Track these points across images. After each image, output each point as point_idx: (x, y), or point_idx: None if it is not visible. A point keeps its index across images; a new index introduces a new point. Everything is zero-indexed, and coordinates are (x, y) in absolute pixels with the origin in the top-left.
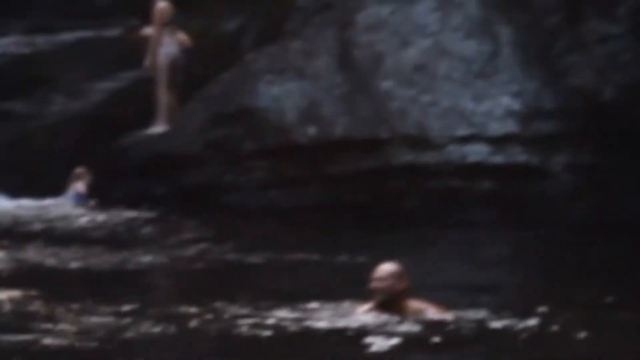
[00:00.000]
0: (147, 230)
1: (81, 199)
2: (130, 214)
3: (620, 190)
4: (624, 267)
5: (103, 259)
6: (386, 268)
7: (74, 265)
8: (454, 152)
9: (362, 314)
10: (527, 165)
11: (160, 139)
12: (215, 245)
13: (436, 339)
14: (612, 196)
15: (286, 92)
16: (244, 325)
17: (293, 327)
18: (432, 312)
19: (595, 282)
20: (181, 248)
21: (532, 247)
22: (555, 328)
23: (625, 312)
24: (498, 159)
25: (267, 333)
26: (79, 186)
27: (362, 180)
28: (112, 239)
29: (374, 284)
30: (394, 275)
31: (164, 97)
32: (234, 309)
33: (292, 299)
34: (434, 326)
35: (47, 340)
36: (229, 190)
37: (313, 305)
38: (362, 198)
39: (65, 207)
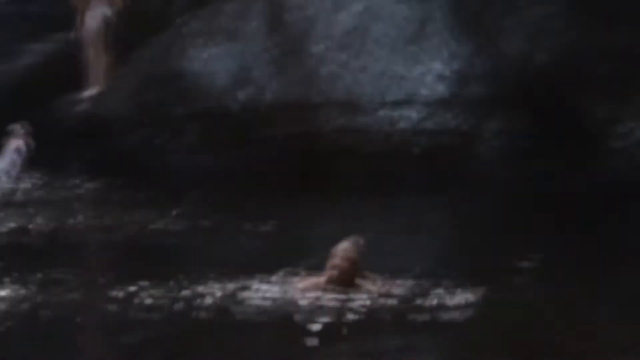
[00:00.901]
0: (77, 194)
1: (18, 158)
2: (61, 178)
3: (549, 156)
4: (549, 231)
5: (35, 226)
6: (348, 249)
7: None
8: (385, 117)
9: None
10: (458, 130)
11: (92, 101)
12: (144, 210)
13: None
14: (542, 161)
15: (217, 56)
16: (184, 299)
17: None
18: (378, 285)
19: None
20: (110, 214)
21: (459, 211)
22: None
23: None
24: (429, 124)
25: (204, 310)
26: (16, 144)
27: (293, 145)
28: (44, 203)
29: (336, 263)
30: (355, 257)
31: (95, 59)
32: (173, 283)
33: (231, 269)
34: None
35: None
36: (160, 153)
37: (258, 277)
38: (293, 163)
39: None
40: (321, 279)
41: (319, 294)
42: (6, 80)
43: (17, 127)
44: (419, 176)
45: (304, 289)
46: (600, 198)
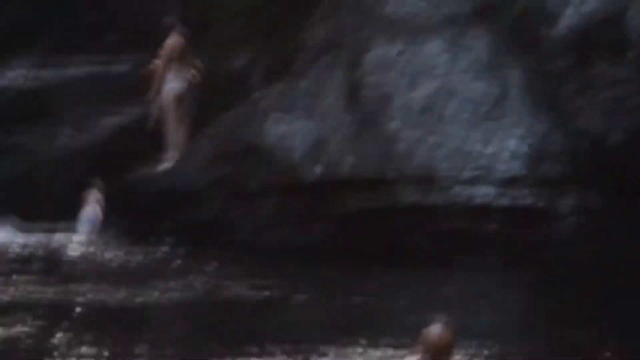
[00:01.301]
0: (155, 266)
1: (93, 223)
2: (139, 250)
3: (626, 235)
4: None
5: (117, 296)
6: (445, 341)
7: (88, 300)
8: (461, 193)
9: None
10: (533, 207)
11: (167, 175)
12: (224, 281)
13: None
14: (618, 240)
15: (293, 131)
16: None
17: None
18: None
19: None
20: (190, 285)
21: (535, 291)
22: None
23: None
24: (504, 201)
25: None
26: (92, 209)
27: (368, 219)
28: (124, 275)
29: (432, 352)
30: (450, 346)
31: (171, 133)
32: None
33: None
34: None
35: None
36: (235, 226)
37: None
38: (368, 237)
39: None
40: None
41: None
42: (83, 152)
43: (93, 190)
44: (494, 253)
45: None
46: None
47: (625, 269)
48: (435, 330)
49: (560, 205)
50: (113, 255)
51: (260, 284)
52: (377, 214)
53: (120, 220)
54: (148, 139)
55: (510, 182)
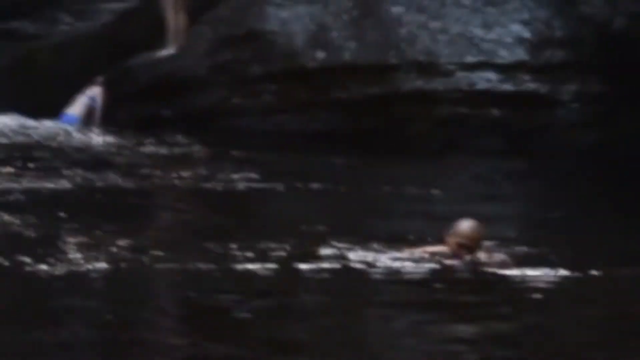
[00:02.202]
0: (152, 153)
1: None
2: (138, 137)
3: (627, 120)
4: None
5: (116, 182)
6: (476, 235)
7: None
8: (463, 79)
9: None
10: (536, 93)
11: (167, 61)
12: (220, 170)
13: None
14: (620, 126)
15: (295, 16)
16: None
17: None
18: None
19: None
20: (189, 171)
21: (537, 177)
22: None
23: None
24: (507, 86)
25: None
26: (93, 93)
27: (370, 106)
28: (120, 163)
29: (462, 242)
30: (481, 238)
31: (171, 18)
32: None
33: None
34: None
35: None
36: (236, 113)
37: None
38: (370, 124)
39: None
40: (446, 249)
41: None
42: (83, 39)
43: (97, 78)
44: (496, 139)
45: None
46: None
47: (626, 155)
48: (466, 223)
49: (562, 92)
50: (113, 143)
51: (259, 171)
52: (378, 101)
53: (121, 107)
54: (150, 25)
55: (512, 68)
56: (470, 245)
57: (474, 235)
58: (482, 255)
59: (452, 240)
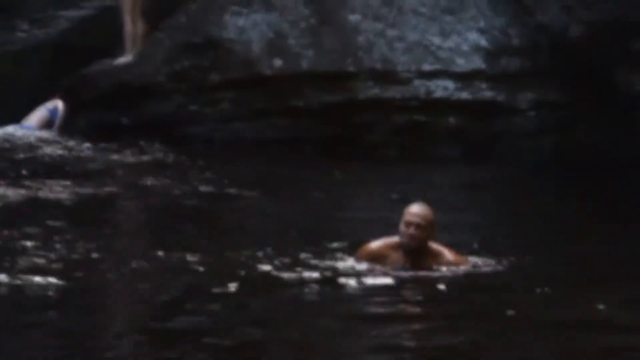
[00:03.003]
0: (110, 160)
1: (54, 115)
2: (94, 144)
3: (584, 128)
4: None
5: (72, 191)
6: (425, 213)
7: (42, 196)
8: (420, 87)
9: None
10: (493, 101)
11: (126, 68)
12: (179, 177)
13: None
14: (577, 133)
15: (253, 24)
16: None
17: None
18: (450, 259)
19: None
20: (143, 180)
21: (492, 185)
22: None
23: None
24: (464, 94)
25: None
26: (54, 104)
27: (328, 114)
28: (78, 170)
29: (410, 219)
30: (431, 222)
31: (130, 26)
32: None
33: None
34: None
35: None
36: (194, 121)
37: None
38: (327, 131)
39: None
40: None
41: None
42: (41, 46)
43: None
44: (453, 147)
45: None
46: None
47: (582, 162)
48: (415, 204)
49: (519, 100)
50: (69, 150)
51: (216, 179)
52: (336, 108)
53: (80, 114)
54: (108, 32)
55: (469, 76)
56: (418, 222)
57: (421, 213)
58: (441, 249)
59: (401, 225)
